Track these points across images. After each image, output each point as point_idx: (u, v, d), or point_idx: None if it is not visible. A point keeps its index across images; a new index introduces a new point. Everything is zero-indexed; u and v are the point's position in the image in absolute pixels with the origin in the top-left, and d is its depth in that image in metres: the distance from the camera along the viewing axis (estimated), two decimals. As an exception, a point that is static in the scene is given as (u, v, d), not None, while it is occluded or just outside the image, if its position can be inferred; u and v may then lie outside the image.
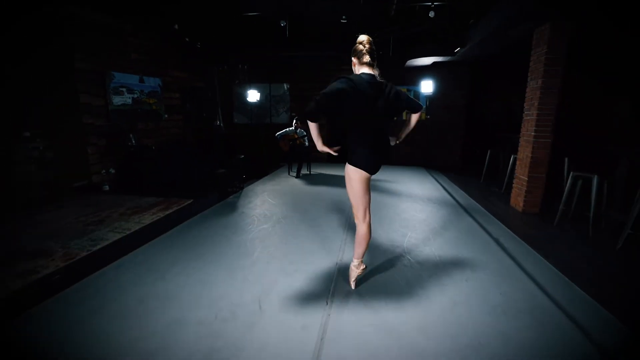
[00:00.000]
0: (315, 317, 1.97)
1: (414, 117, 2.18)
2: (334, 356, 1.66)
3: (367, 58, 1.96)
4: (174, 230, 3.39)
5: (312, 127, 1.99)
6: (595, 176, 3.44)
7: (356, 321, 1.94)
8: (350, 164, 2.05)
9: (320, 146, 2.06)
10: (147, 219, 3.35)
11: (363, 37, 2.01)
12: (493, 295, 2.23)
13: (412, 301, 2.15)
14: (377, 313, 2.02)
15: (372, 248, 2.91)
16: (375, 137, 2.01)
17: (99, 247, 2.65)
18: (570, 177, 3.65)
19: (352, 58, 2.04)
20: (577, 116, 4.78)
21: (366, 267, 2.33)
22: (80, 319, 1.91)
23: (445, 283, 2.39)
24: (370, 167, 2.03)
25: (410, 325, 1.91)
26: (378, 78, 2.00)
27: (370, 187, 2.13)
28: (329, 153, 2.10)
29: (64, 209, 3.64)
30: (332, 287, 2.32)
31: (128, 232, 2.99)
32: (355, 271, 2.25)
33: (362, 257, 2.24)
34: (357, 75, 1.98)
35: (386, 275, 2.50)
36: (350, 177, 2.07)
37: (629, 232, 3.00)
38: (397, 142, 2.27)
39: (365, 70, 1.98)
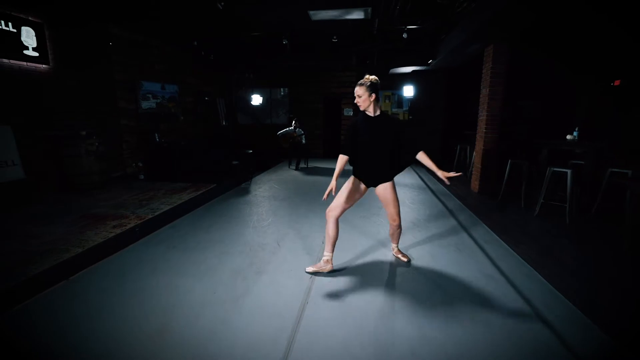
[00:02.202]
0: (315, 250, 3.03)
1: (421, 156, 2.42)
2: (327, 265, 2.73)
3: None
4: (206, 205, 4.43)
5: (341, 161, 2.43)
6: (526, 162, 4.56)
7: (338, 248, 3.01)
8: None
9: (334, 180, 2.38)
10: (185, 196, 4.38)
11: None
12: (436, 237, 3.32)
13: (381, 242, 3.22)
14: (354, 244, 3.09)
15: (358, 211, 3.99)
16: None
17: (158, 213, 3.68)
18: (508, 163, 4.76)
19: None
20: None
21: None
22: (161, 253, 2.95)
23: (405, 231, 3.46)
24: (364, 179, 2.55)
25: (377, 250, 2.98)
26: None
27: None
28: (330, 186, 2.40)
29: (115, 191, 4.65)
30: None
31: (174, 205, 4.01)
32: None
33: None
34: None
35: (366, 228, 3.57)
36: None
37: (542, 201, 4.11)
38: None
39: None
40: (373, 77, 2.41)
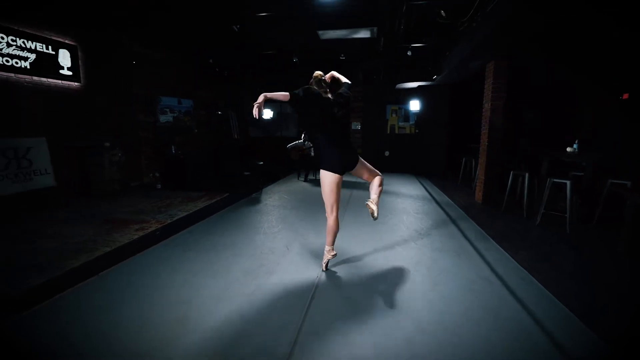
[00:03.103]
0: (320, 254, 3.22)
1: None
2: (333, 269, 2.92)
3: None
4: (219, 213, 4.68)
5: (280, 96, 2.41)
6: (527, 173, 4.69)
7: (345, 248, 3.20)
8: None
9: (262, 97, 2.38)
10: (200, 204, 4.66)
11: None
12: (437, 244, 3.48)
13: (382, 246, 3.40)
14: (358, 246, 3.28)
15: (365, 217, 4.18)
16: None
17: (176, 218, 3.95)
18: (510, 175, 4.91)
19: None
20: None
21: (336, 254, 2.78)
22: (178, 254, 3.20)
23: (407, 238, 3.64)
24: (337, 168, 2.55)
25: (379, 252, 3.16)
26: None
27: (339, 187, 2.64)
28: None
29: (135, 199, 4.96)
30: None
31: (190, 212, 4.28)
32: (327, 256, 2.79)
33: (332, 244, 2.75)
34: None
35: (369, 233, 3.75)
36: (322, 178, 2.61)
37: (543, 212, 4.23)
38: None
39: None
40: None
